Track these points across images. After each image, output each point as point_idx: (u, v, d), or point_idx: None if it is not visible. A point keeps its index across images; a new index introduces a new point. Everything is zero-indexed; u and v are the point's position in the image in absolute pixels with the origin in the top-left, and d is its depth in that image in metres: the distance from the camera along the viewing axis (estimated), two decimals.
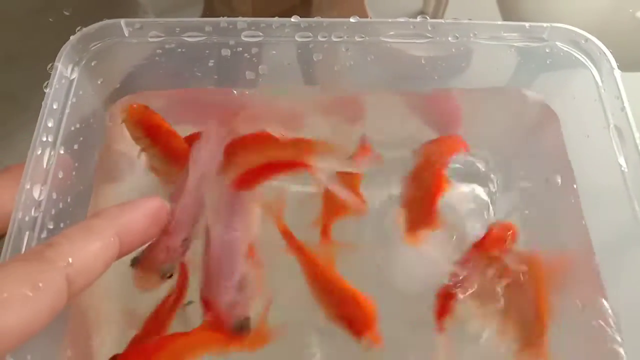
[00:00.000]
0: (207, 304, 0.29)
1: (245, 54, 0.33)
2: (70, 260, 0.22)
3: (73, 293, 0.22)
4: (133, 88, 0.35)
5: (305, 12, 0.83)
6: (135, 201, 0.27)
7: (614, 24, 0.66)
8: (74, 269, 0.22)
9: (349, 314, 0.29)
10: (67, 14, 0.45)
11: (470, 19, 0.33)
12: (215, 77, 0.35)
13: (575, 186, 0.33)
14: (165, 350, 0.28)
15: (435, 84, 0.36)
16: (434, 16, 1.05)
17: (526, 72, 0.34)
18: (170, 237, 0.30)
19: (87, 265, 0.22)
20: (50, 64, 0.30)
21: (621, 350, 0.29)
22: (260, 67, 0.34)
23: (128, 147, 0.34)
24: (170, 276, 0.30)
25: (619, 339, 0.29)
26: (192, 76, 0.35)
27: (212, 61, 0.34)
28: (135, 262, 0.30)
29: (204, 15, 0.89)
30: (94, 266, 0.23)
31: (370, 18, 0.99)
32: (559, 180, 0.33)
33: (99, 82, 0.33)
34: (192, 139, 0.33)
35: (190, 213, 0.31)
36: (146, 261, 0.30)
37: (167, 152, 0.33)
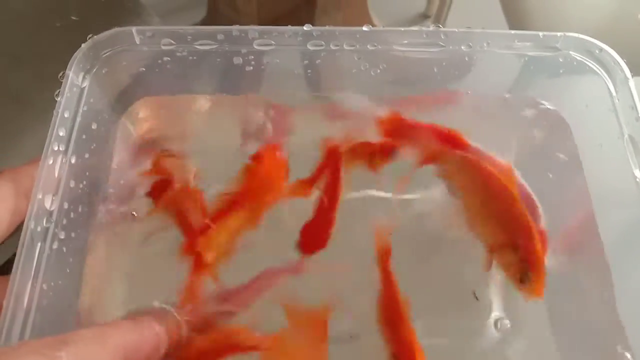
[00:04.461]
0: None
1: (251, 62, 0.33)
2: None
3: None
4: (143, 96, 0.34)
5: (310, 12, 0.83)
6: (147, 321, 0.26)
7: (620, 28, 0.66)
8: None
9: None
10: (75, 19, 0.45)
11: (483, 28, 0.33)
12: (218, 82, 0.35)
13: (588, 196, 0.33)
14: None
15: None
16: (437, 18, 1.05)
17: (539, 81, 0.34)
18: None
19: None
20: (62, 72, 0.30)
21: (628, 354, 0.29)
22: (263, 73, 0.34)
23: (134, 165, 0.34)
24: None
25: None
26: (199, 82, 0.35)
27: (217, 68, 0.34)
28: None
29: (207, 16, 0.89)
30: None
31: (373, 19, 0.99)
32: (572, 189, 0.33)
33: (110, 90, 0.33)
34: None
35: None
36: None
37: None
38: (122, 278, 0.32)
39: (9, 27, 0.50)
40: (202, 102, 0.36)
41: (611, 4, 0.69)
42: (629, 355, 0.29)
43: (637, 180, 0.29)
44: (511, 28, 0.69)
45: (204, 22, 0.91)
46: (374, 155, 0.36)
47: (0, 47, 0.49)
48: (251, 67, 0.33)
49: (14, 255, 0.28)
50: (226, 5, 0.85)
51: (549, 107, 0.35)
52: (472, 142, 0.36)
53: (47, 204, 0.27)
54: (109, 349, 0.22)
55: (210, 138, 0.36)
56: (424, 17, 1.16)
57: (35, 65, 0.50)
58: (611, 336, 0.30)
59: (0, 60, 0.49)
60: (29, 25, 0.51)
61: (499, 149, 0.35)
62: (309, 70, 0.34)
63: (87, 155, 0.30)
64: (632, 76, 0.31)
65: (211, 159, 0.35)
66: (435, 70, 0.34)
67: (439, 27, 0.32)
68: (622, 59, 0.31)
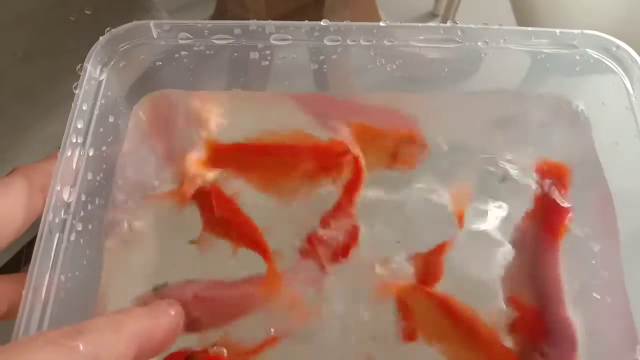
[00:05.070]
0: None
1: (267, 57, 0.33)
2: (98, 356, 0.21)
3: None
4: (160, 88, 0.35)
5: (318, 10, 0.83)
6: (160, 306, 0.27)
7: (630, 26, 0.66)
8: None
9: None
10: (89, 12, 0.45)
11: (494, 24, 0.33)
12: (234, 77, 0.35)
13: (607, 195, 0.32)
14: None
15: (450, 86, 0.36)
16: (445, 17, 1.05)
17: (555, 78, 0.34)
18: None
19: None
20: (80, 65, 0.30)
21: None
22: (270, 68, 0.34)
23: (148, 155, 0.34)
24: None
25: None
26: (215, 76, 0.35)
27: (233, 62, 0.34)
28: None
29: (215, 13, 0.89)
30: None
31: (381, 17, 0.99)
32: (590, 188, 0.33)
33: (127, 83, 0.33)
34: None
35: None
36: None
37: None
38: (140, 267, 0.32)
39: (17, 24, 0.50)
40: (220, 97, 0.36)
41: (620, 5, 0.69)
42: None
43: None
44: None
45: (211, 19, 0.91)
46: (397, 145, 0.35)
47: (8, 44, 0.49)
48: (267, 62, 0.33)
49: (19, 251, 0.28)
50: (234, 2, 0.85)
51: (564, 104, 0.35)
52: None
53: (65, 196, 0.27)
54: (125, 337, 0.22)
55: (230, 134, 0.36)
56: (431, 15, 1.16)
57: (43, 62, 0.50)
58: None
59: (8, 57, 0.49)
60: (38, 21, 0.51)
61: (515, 147, 0.35)
62: (324, 66, 0.34)
63: (104, 148, 0.31)
64: None
65: None
66: (450, 66, 0.34)
67: (456, 23, 0.32)
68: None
